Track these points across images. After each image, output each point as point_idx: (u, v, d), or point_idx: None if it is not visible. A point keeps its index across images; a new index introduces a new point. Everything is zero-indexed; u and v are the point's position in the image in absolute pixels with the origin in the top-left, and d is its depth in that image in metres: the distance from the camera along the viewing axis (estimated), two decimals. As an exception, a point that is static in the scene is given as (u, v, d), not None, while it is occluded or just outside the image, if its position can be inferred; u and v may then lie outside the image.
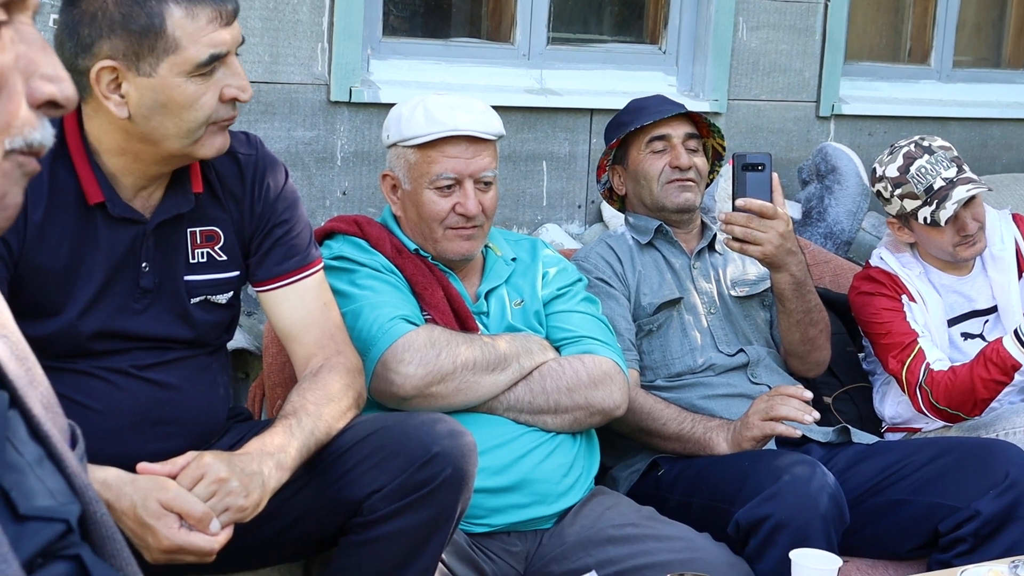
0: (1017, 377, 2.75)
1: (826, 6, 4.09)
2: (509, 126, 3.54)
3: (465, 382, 2.38)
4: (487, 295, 2.58)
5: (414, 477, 1.99)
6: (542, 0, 3.69)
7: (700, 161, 2.95)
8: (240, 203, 2.17)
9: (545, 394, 2.46)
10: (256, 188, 2.18)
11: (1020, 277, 3.01)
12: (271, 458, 1.90)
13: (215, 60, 1.95)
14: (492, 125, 2.53)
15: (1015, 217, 3.11)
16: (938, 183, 2.89)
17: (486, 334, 2.51)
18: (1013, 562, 2.28)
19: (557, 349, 2.56)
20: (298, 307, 2.19)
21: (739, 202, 2.67)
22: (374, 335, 2.36)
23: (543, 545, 2.45)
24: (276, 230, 2.19)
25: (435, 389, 2.36)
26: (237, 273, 2.19)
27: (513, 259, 2.66)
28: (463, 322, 2.50)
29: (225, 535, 1.84)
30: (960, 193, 2.86)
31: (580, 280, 2.71)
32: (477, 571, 2.35)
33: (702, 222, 3.04)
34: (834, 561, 2.13)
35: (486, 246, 2.63)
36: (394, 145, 2.55)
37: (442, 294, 2.51)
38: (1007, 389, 2.79)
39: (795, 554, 2.12)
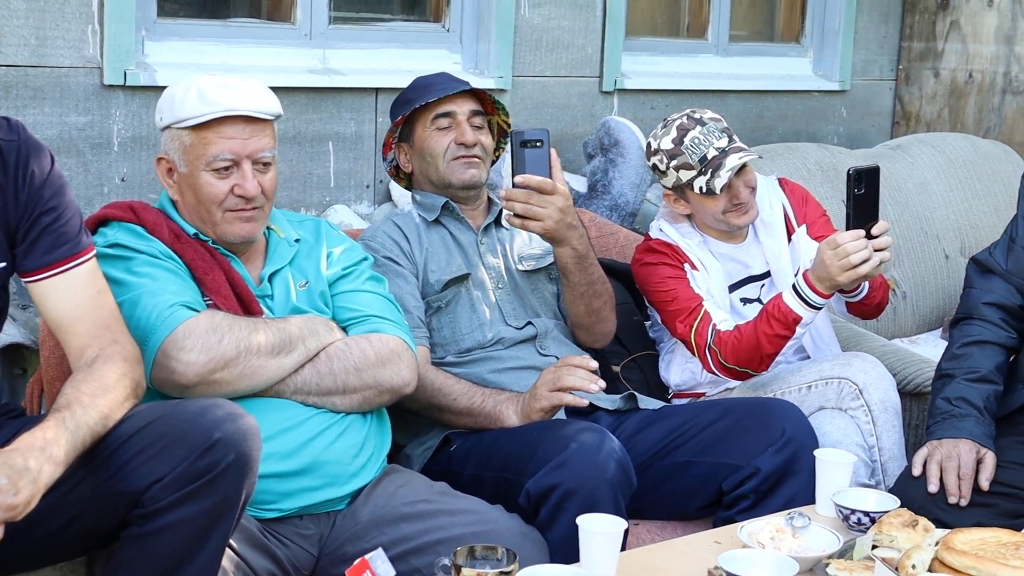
0: (798, 330, 2.85)
1: (605, -17, 4.16)
2: (293, 107, 3.51)
3: (250, 367, 2.35)
4: (271, 278, 2.55)
5: (196, 464, 1.96)
6: (323, -21, 3.66)
7: (485, 138, 2.98)
8: (3, 192, 2.09)
9: (333, 375, 2.45)
10: (20, 175, 2.10)
11: (789, 241, 3.13)
12: (41, 453, 1.84)
13: None
14: (269, 104, 2.49)
15: (781, 182, 3.23)
16: (711, 153, 2.97)
17: (270, 317, 2.48)
18: (789, 514, 2.38)
19: (344, 329, 2.54)
20: (69, 297, 2.13)
21: (518, 179, 2.70)
22: (153, 323, 2.30)
23: (336, 527, 2.44)
24: (43, 218, 2.12)
25: (219, 375, 2.32)
26: (3, 264, 2.11)
27: (296, 240, 2.63)
28: (246, 306, 2.46)
29: (-4, 535, 1.77)
30: (733, 161, 2.96)
31: (366, 259, 2.70)
32: (270, 557, 2.33)
33: (488, 198, 3.07)
34: (619, 524, 2.19)
35: (268, 228, 2.59)
36: (168, 127, 2.49)
37: (224, 278, 2.46)
38: (788, 345, 2.89)
39: (582, 520, 2.17)
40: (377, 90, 3.69)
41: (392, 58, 3.79)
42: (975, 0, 4.94)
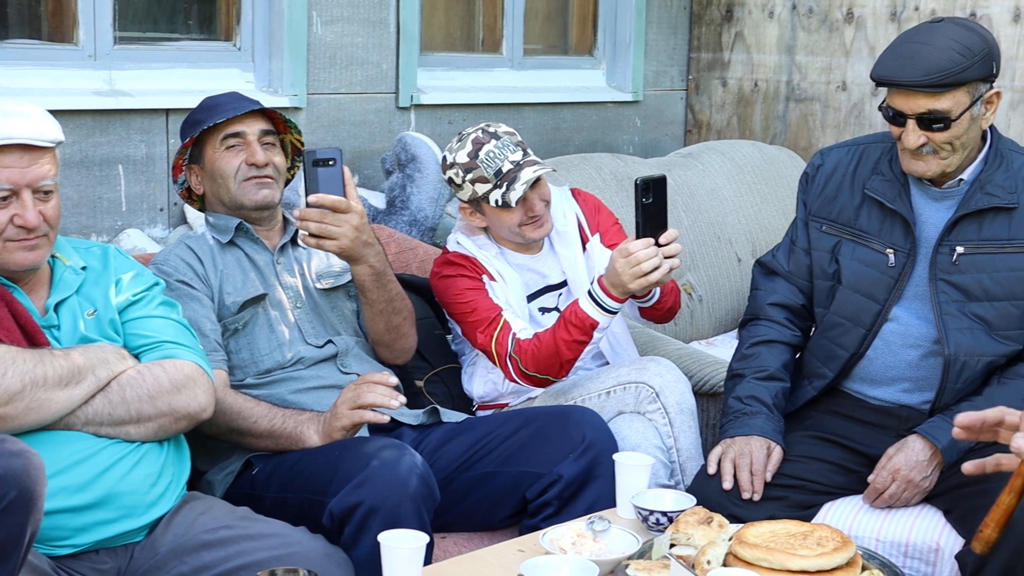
0: (595, 335, 2.91)
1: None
2: (79, 130, 3.41)
3: (36, 400, 2.27)
4: (56, 307, 2.47)
5: (-26, 505, 1.89)
6: (106, -2, 3.57)
7: (277, 157, 2.95)
8: None
9: (126, 404, 2.39)
10: None
11: (584, 250, 3.20)
12: None
13: None
14: (49, 131, 2.41)
15: (574, 192, 3.30)
16: (506, 166, 3.02)
17: (58, 348, 2.40)
18: (590, 519, 2.43)
19: (136, 357, 2.49)
20: None
21: (311, 198, 2.70)
22: (-70, 359, 2.21)
23: (135, 559, 2.38)
24: None
25: (3, 410, 2.23)
26: None
27: (83, 268, 2.56)
28: (31, 338, 2.38)
29: None
30: (528, 174, 3.00)
31: (157, 284, 2.64)
32: (64, 595, 2.26)
33: (284, 218, 3.04)
34: (421, 539, 2.19)
35: (53, 256, 2.52)
36: (-61, 156, 2.39)
37: (6, 311, 2.38)
38: (587, 351, 2.94)
39: (383, 536, 2.17)
40: (168, 111, 3.63)
41: (182, 78, 3.72)
42: (757, 12, 5.13)
